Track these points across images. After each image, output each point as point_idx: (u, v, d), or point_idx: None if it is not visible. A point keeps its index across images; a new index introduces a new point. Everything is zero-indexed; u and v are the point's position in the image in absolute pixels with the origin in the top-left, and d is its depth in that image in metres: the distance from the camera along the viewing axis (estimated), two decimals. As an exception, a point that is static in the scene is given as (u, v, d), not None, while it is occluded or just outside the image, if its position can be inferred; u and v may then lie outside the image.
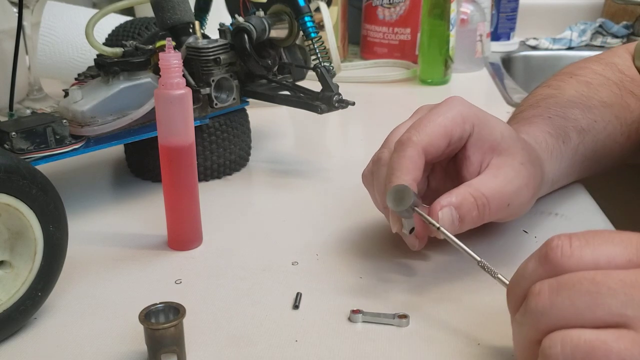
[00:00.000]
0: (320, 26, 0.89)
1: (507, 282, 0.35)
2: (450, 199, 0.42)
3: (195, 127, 0.52)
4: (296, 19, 0.61)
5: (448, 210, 0.41)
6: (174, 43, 0.57)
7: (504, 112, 0.82)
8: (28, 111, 0.74)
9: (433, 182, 0.49)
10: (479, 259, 0.38)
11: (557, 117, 0.54)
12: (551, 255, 0.30)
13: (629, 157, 0.62)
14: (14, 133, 0.48)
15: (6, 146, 0.49)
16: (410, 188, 0.40)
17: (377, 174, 0.45)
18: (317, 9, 0.94)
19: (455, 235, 0.40)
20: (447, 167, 0.48)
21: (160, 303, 0.37)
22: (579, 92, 0.58)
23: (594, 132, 0.55)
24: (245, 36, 0.59)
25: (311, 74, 0.61)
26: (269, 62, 0.61)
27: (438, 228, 0.40)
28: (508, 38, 1.28)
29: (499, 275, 0.37)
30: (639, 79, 0.63)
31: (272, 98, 0.63)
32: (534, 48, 1.30)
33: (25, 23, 0.75)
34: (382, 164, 0.44)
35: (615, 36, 1.31)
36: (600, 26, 1.33)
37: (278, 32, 0.63)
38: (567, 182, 0.56)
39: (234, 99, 0.61)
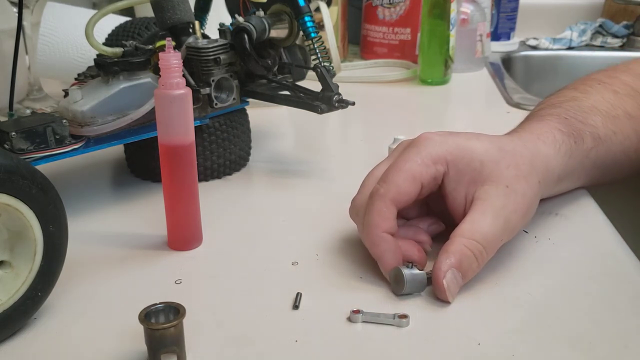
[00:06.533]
0: (320, 26, 0.89)
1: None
2: (449, 261, 0.41)
3: (195, 127, 0.52)
4: (296, 19, 0.61)
5: (451, 274, 0.41)
6: (173, 43, 0.57)
7: (504, 112, 0.82)
8: (28, 111, 0.74)
9: (433, 205, 0.49)
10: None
11: (575, 120, 0.53)
12: None
13: (634, 173, 0.60)
14: (13, 133, 0.48)
15: (6, 146, 0.49)
16: (401, 270, 0.41)
17: (355, 219, 0.47)
18: (317, 9, 0.94)
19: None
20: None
21: (160, 303, 0.37)
22: (605, 99, 0.57)
23: (609, 144, 0.54)
24: (245, 36, 0.59)
25: (311, 74, 0.61)
26: (269, 62, 0.61)
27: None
28: (508, 38, 1.28)
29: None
30: None
31: (272, 98, 0.63)
32: (534, 48, 1.30)
33: (25, 23, 0.75)
34: (359, 208, 0.46)
35: (615, 36, 1.31)
36: (600, 26, 1.33)
37: (278, 32, 0.63)
38: (572, 186, 0.55)
39: (234, 99, 0.61)
